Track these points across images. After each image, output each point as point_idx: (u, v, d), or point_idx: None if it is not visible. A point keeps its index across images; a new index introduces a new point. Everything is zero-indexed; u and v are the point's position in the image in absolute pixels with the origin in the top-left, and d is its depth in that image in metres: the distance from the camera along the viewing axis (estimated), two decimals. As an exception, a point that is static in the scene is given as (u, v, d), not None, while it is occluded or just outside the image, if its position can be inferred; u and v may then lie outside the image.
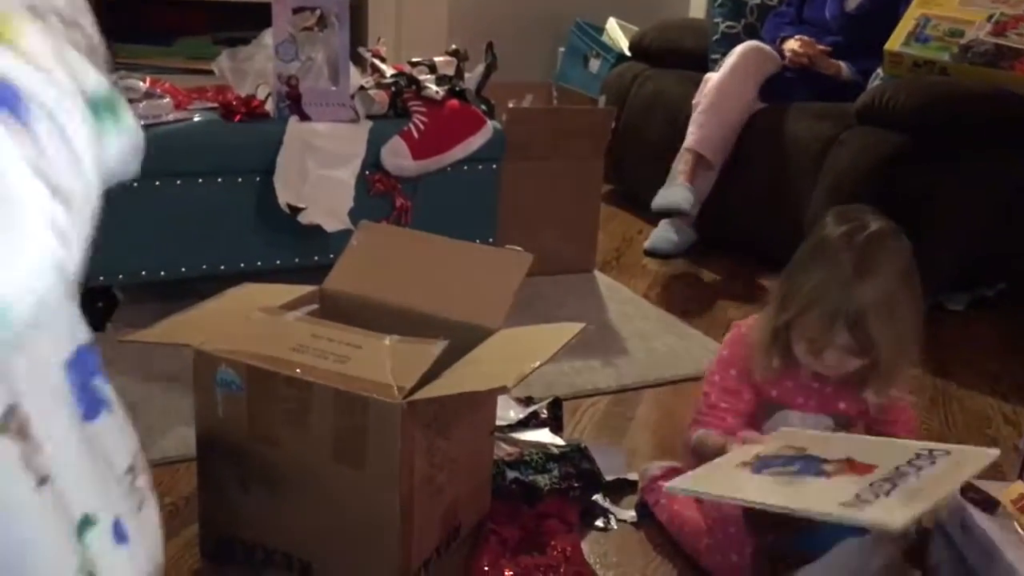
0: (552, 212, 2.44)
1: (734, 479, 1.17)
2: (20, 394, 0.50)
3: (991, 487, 1.32)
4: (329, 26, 2.13)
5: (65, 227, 0.42)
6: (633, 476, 1.55)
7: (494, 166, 2.31)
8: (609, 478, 1.53)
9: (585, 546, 1.39)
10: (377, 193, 2.17)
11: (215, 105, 2.11)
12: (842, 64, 2.69)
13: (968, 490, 1.31)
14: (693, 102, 2.73)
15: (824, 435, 1.32)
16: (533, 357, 1.17)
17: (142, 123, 0.53)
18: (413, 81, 2.25)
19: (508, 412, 1.66)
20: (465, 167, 2.26)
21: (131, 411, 0.61)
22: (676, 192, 2.61)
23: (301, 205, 2.04)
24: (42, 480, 0.50)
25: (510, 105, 2.43)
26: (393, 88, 2.23)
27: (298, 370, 1.19)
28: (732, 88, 2.65)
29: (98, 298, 1.97)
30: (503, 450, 1.52)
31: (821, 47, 2.69)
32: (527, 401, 1.73)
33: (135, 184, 1.92)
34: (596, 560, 1.37)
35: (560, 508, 1.43)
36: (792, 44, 2.70)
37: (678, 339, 2.14)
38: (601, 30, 3.74)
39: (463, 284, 1.41)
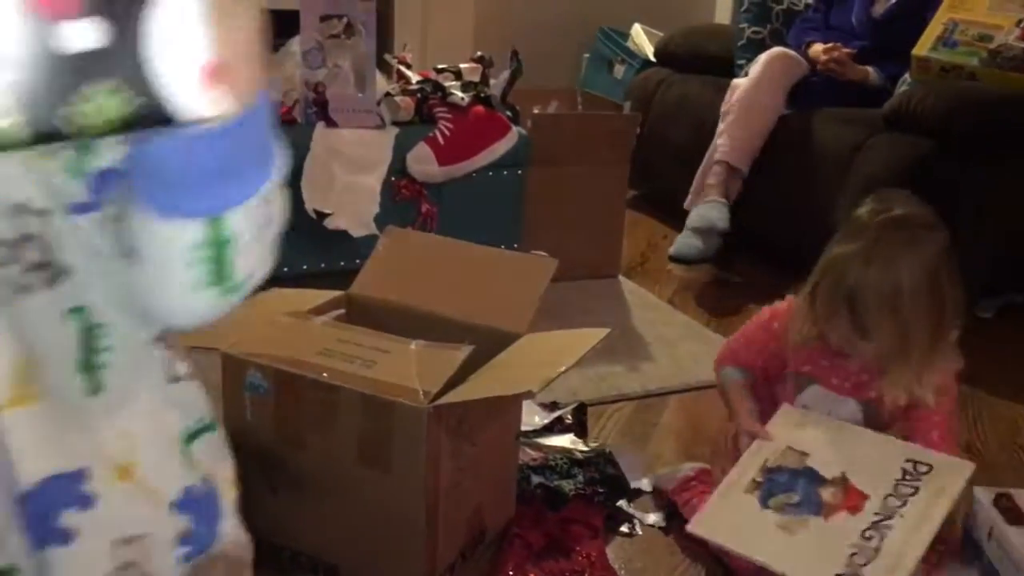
0: (577, 217, 2.44)
1: (745, 519, 1.28)
2: None
3: (1021, 497, 1.31)
4: (356, 33, 2.14)
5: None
6: (645, 486, 1.54)
7: (519, 172, 2.32)
8: (632, 484, 1.53)
9: (610, 551, 1.39)
10: (403, 199, 2.18)
11: (243, 112, 2.13)
12: (869, 69, 2.68)
13: (1000, 499, 1.30)
14: (722, 110, 2.72)
15: (828, 428, 1.36)
16: (558, 362, 1.17)
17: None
18: (439, 87, 2.26)
19: (533, 417, 1.67)
20: (490, 173, 2.27)
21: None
22: (712, 210, 2.61)
23: (328, 210, 2.06)
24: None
25: (535, 111, 2.44)
26: (419, 94, 2.24)
27: (325, 374, 1.20)
28: (760, 96, 2.64)
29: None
30: (528, 455, 1.52)
31: (847, 51, 2.68)
32: (552, 406, 1.73)
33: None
34: (621, 565, 1.37)
35: (585, 513, 1.43)
36: (819, 51, 2.69)
37: (703, 345, 2.14)
38: (626, 36, 3.74)
39: (488, 289, 1.42)
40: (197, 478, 0.63)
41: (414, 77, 2.31)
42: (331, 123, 2.10)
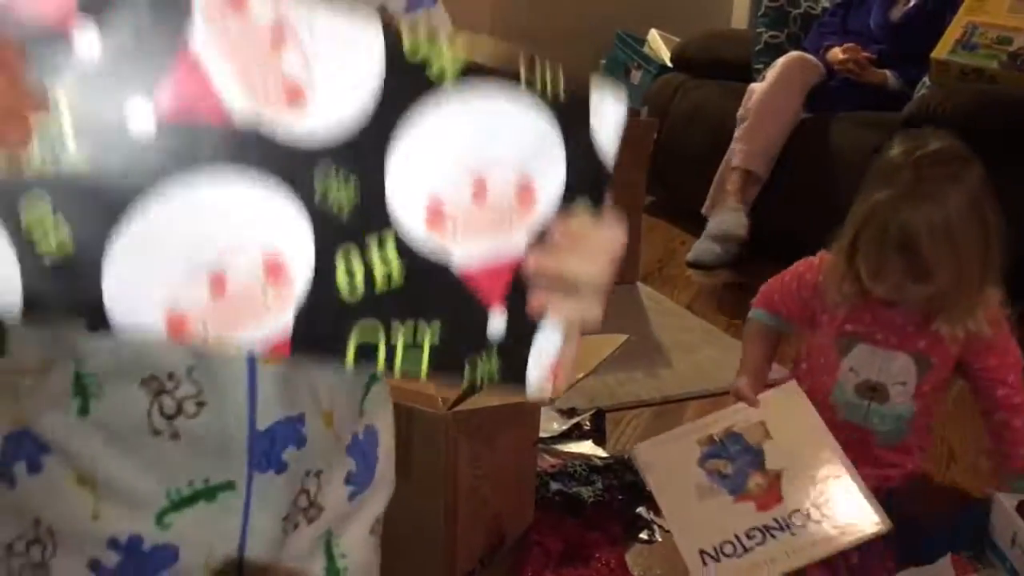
0: (594, 223, 2.43)
1: (676, 466, 1.36)
2: None
3: (1044, 502, 1.30)
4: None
5: None
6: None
7: (536, 178, 2.32)
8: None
9: (629, 558, 1.39)
10: (420, 206, 2.19)
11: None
12: (888, 73, 2.66)
13: (1023, 506, 1.29)
14: (738, 115, 2.71)
15: (808, 430, 1.36)
16: (577, 368, 1.17)
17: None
18: (456, 94, 2.27)
19: (551, 423, 1.67)
20: (507, 179, 2.27)
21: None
22: (730, 218, 2.60)
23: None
24: None
25: (552, 117, 2.44)
26: (436, 102, 2.25)
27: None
28: (777, 100, 2.64)
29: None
30: (546, 462, 1.52)
31: (865, 55, 2.67)
32: (570, 413, 1.73)
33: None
34: (640, 572, 1.37)
35: (604, 520, 1.43)
36: (837, 52, 2.68)
37: (722, 351, 2.13)
38: (642, 41, 3.74)
39: (506, 296, 1.42)
40: (363, 426, 0.72)
41: (431, 84, 2.32)
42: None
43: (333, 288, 0.46)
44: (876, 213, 1.26)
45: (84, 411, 0.59)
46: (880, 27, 2.76)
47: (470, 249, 0.48)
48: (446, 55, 0.44)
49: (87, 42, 0.39)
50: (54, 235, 0.41)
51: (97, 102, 0.40)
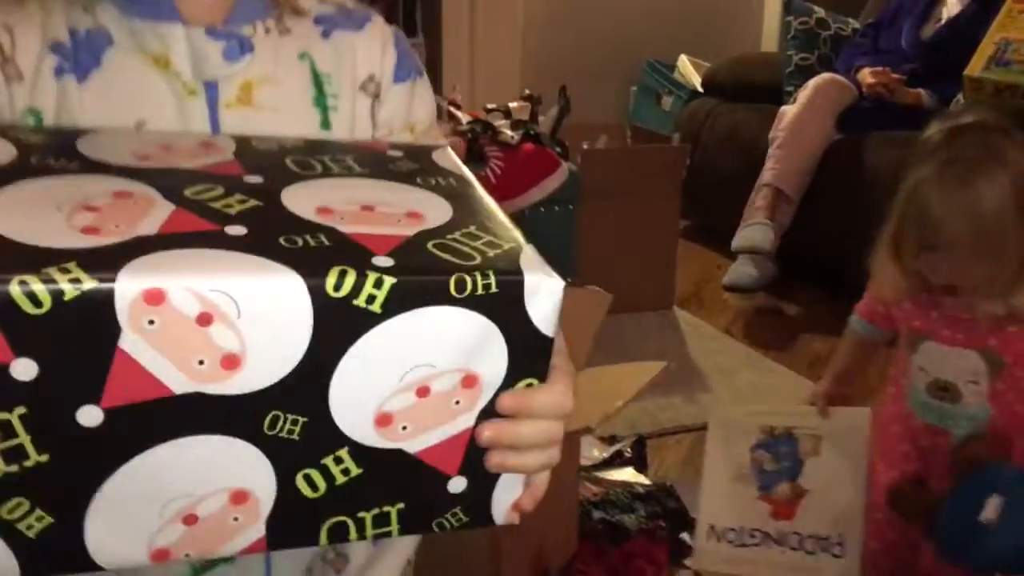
0: (630, 250, 2.45)
1: (732, 443, 1.42)
2: None
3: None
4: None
5: None
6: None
7: (570, 207, 2.34)
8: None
9: (674, 586, 1.38)
10: (456, 237, 2.21)
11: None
12: (922, 92, 2.65)
13: None
14: (770, 136, 2.71)
15: (852, 460, 1.38)
16: (616, 396, 1.18)
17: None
18: (488, 127, 2.30)
19: (592, 451, 1.67)
20: (542, 209, 2.29)
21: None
22: (756, 231, 2.60)
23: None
24: None
25: (585, 146, 2.46)
26: (469, 135, 2.28)
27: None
28: (809, 121, 2.63)
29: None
30: (588, 490, 1.52)
31: (897, 75, 2.66)
32: (611, 440, 1.73)
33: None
34: (685, 600, 1.36)
35: (647, 548, 1.42)
36: (867, 75, 2.67)
37: (762, 374, 2.12)
38: (672, 67, 3.76)
39: (544, 325, 1.43)
40: None
41: (464, 118, 2.35)
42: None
43: (298, 495, 0.49)
44: (909, 195, 1.23)
45: None
46: (912, 46, 2.75)
47: (422, 439, 0.50)
48: (369, 290, 0.44)
49: (24, 370, 0.42)
50: (34, 518, 0.45)
51: (46, 414, 0.43)
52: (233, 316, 0.43)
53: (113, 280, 0.41)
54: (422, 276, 0.46)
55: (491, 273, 0.47)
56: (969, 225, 1.18)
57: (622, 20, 3.81)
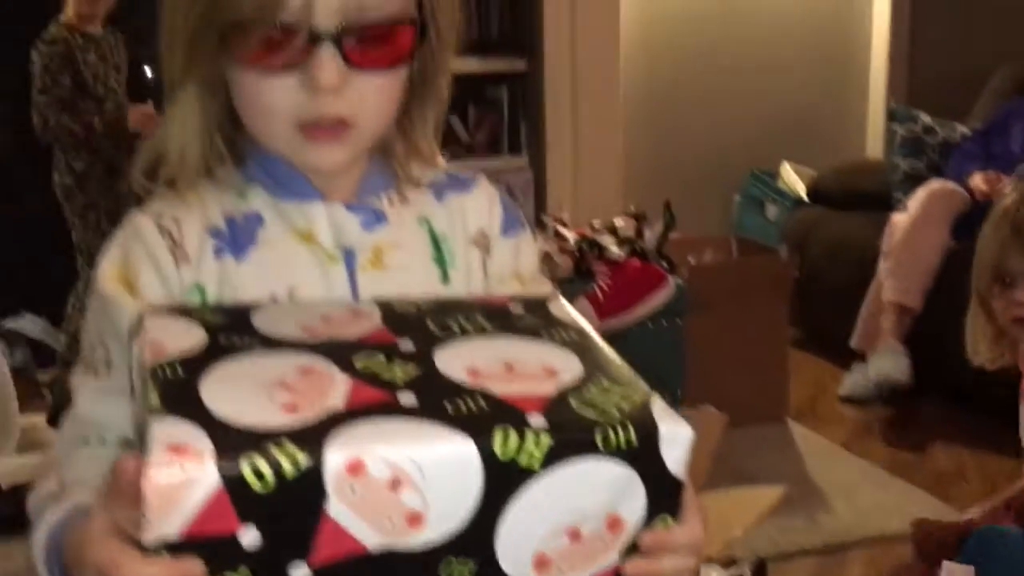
0: (739, 363, 2.42)
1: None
2: None
3: None
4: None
5: None
6: None
7: (678, 321, 2.34)
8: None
9: None
10: (565, 354, 2.23)
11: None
12: (1037, 196, 2.59)
13: None
14: (883, 249, 2.66)
15: None
16: (735, 523, 1.16)
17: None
18: (595, 244, 2.34)
19: (711, 574, 1.63)
20: (650, 324, 2.30)
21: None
22: (888, 361, 2.52)
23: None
24: None
25: (690, 260, 2.47)
26: (577, 252, 2.32)
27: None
28: (923, 232, 2.58)
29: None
30: (709, 616, 1.48)
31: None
32: (730, 563, 1.68)
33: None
34: None
35: None
36: (979, 181, 2.63)
37: (885, 492, 2.05)
38: (776, 176, 3.76)
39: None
40: None
41: (571, 236, 2.40)
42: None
43: None
44: (986, 252, 1.31)
45: None
46: (1024, 150, 2.70)
47: None
48: (530, 448, 0.51)
49: (248, 535, 0.49)
50: None
51: (265, 572, 0.50)
52: (418, 479, 0.50)
53: (321, 455, 0.49)
54: (573, 434, 0.53)
55: (630, 426, 0.53)
56: None
57: (723, 129, 3.85)
